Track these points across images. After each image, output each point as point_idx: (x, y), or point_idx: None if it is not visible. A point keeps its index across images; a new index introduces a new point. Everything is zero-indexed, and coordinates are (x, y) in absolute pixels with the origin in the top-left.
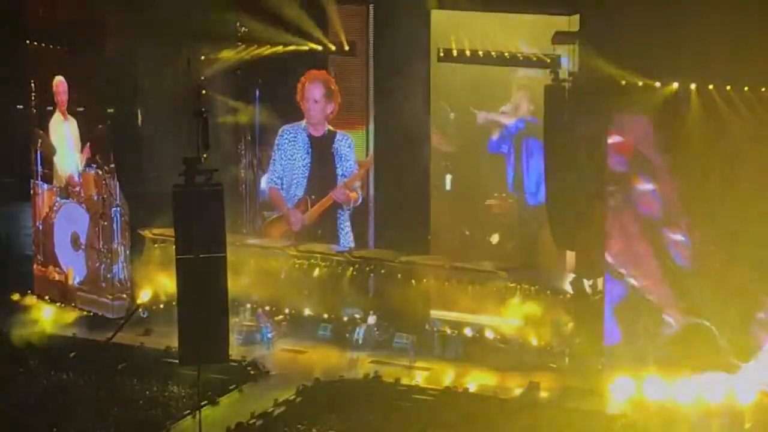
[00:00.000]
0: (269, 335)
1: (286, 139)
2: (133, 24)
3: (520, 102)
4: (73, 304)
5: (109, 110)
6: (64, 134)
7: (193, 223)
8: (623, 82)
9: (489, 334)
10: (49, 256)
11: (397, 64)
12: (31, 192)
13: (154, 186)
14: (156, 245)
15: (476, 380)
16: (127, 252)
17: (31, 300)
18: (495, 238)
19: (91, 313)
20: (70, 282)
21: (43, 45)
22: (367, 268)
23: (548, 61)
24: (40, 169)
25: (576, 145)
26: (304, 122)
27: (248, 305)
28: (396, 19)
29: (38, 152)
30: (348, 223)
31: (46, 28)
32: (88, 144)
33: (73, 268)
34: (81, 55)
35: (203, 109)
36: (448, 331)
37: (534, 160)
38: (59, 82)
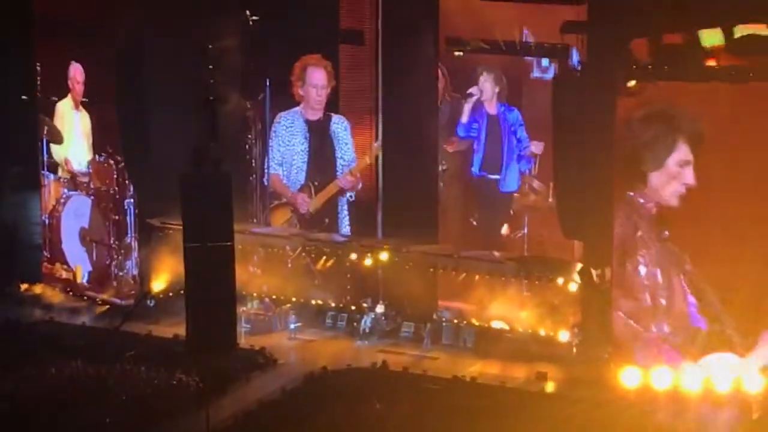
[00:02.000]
0: (293, 326)
1: (284, 125)
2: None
3: (484, 84)
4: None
5: (118, 99)
6: (73, 122)
7: (201, 212)
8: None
9: (496, 324)
10: (56, 252)
11: (404, 53)
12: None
13: (162, 175)
14: (163, 234)
15: (483, 370)
16: (138, 246)
17: (39, 289)
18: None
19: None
20: (79, 280)
21: (51, 30)
22: (375, 257)
23: (560, 49)
24: (46, 158)
25: (585, 135)
26: (299, 107)
27: (255, 294)
28: (404, 7)
29: (44, 140)
30: (346, 209)
31: (54, 16)
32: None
33: (81, 265)
34: (90, 43)
35: (211, 98)
36: (456, 321)
37: (505, 143)
38: (76, 69)
